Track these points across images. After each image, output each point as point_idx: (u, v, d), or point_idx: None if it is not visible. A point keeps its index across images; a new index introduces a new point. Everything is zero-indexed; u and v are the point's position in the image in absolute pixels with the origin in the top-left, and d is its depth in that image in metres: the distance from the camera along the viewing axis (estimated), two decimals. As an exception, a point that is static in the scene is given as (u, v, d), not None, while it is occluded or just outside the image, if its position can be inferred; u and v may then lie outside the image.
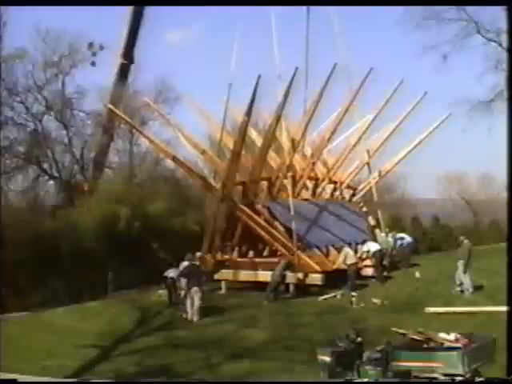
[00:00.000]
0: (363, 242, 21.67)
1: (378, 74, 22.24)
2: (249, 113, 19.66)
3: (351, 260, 19.37)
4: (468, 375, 8.15)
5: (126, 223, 26.88)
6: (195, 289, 16.97)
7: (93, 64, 33.72)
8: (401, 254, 22.49)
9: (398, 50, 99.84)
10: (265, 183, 22.82)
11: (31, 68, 32.43)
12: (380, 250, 20.77)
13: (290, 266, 19.17)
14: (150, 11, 32.53)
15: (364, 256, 20.83)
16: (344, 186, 24.92)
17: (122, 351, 13.99)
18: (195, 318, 16.74)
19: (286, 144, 22.56)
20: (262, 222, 20.69)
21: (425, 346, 8.90)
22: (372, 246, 20.84)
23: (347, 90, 22.57)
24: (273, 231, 20.45)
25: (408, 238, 22.89)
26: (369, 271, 20.99)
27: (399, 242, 22.42)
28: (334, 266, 19.89)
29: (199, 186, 25.23)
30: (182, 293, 18.03)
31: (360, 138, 23.64)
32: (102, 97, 33.83)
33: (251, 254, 22.14)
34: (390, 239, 22.48)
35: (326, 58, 23.17)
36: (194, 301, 16.89)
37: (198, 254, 20.28)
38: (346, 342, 9.52)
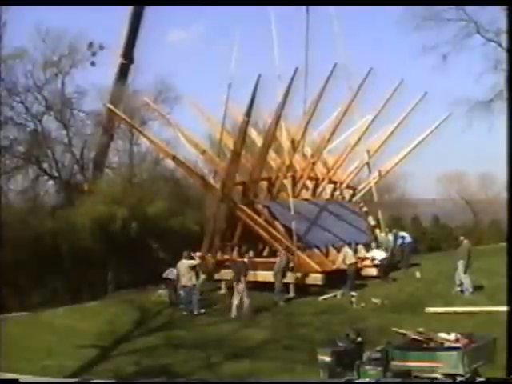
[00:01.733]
0: (366, 245, 21.66)
1: (378, 74, 22.32)
2: (249, 113, 19.67)
3: (351, 260, 19.35)
4: (468, 375, 8.15)
5: (126, 223, 26.88)
6: (242, 286, 17.05)
7: (93, 64, 33.76)
8: (400, 254, 22.47)
9: (398, 51, 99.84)
10: (265, 183, 22.83)
11: (31, 68, 32.47)
12: (385, 259, 20.65)
13: (289, 262, 19.07)
14: (152, 11, 32.61)
15: (368, 263, 20.88)
16: (344, 186, 24.91)
17: (121, 351, 13.99)
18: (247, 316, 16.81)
19: (286, 144, 22.56)
20: (262, 222, 20.69)
21: (425, 345, 8.89)
22: (378, 255, 20.67)
23: (347, 90, 22.60)
24: (273, 231, 20.44)
25: (408, 238, 22.91)
26: (369, 271, 20.96)
27: (400, 241, 22.41)
28: (334, 266, 19.88)
29: (199, 186, 25.23)
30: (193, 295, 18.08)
31: (360, 138, 23.64)
32: (102, 97, 33.87)
33: (251, 253, 22.11)
34: (390, 238, 22.47)
35: (326, 58, 23.24)
36: (242, 299, 16.97)
37: (198, 253, 20.27)
38: (346, 342, 9.53)
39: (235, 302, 17.05)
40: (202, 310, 17.62)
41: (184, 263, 18.27)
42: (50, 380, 12.02)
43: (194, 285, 18.04)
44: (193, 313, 17.51)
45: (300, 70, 20.09)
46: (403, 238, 22.68)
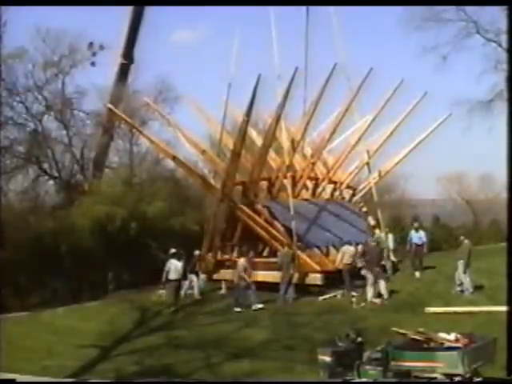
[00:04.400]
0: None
1: (378, 74, 22.30)
2: (249, 113, 19.69)
3: (347, 260, 19.28)
4: (468, 375, 8.16)
5: (126, 223, 26.88)
6: (377, 269, 17.34)
7: (93, 64, 33.76)
8: (414, 254, 21.21)
9: (398, 51, 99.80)
10: (265, 183, 22.84)
11: (31, 68, 32.42)
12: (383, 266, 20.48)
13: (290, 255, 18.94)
14: (155, 11, 32.69)
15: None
16: (344, 186, 24.91)
17: (121, 351, 13.99)
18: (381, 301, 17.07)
19: (285, 144, 22.56)
20: (262, 222, 20.70)
21: (425, 345, 8.89)
22: None
23: (347, 90, 22.59)
24: (273, 231, 20.45)
25: (424, 237, 21.40)
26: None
27: (418, 240, 21.09)
28: (335, 266, 19.85)
29: (199, 186, 25.24)
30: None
31: (360, 138, 23.63)
32: (102, 97, 33.87)
33: (251, 254, 22.11)
34: (391, 238, 22.35)
35: (326, 58, 23.24)
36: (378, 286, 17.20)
37: (197, 252, 20.29)
38: (346, 342, 9.53)
39: (370, 291, 17.23)
40: (238, 309, 17.61)
41: (242, 261, 18.58)
42: (49, 380, 12.03)
43: (238, 283, 18.23)
44: (250, 307, 17.60)
45: (300, 69, 20.13)
46: (420, 237, 21.27)
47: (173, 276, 18.45)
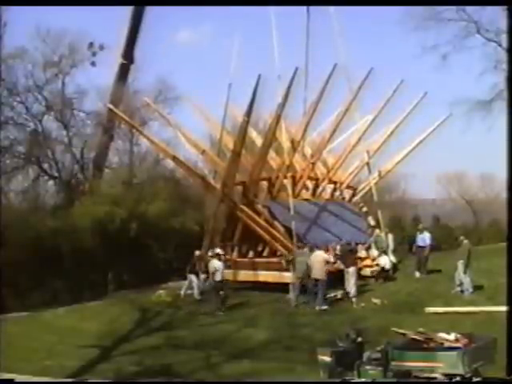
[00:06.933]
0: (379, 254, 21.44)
1: (378, 74, 22.29)
2: (249, 113, 19.70)
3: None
4: (468, 375, 8.15)
5: (126, 223, 26.88)
6: (353, 269, 18.00)
7: (93, 64, 33.84)
8: (418, 257, 21.00)
9: (398, 51, 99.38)
10: (265, 183, 22.83)
11: (31, 68, 32.53)
12: (387, 270, 20.52)
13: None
14: (158, 11, 32.69)
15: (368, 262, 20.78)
16: (344, 186, 24.90)
17: (122, 351, 13.99)
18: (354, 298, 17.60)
19: (286, 144, 22.56)
20: (262, 222, 20.70)
21: (425, 346, 8.89)
22: (384, 263, 20.52)
23: (347, 90, 22.59)
24: (273, 231, 20.45)
25: (427, 239, 21.04)
26: (366, 271, 20.90)
27: (421, 242, 20.85)
28: (335, 266, 19.85)
29: (199, 186, 25.25)
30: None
31: (360, 139, 23.62)
32: (102, 97, 33.91)
33: (251, 254, 22.14)
34: (390, 238, 22.31)
35: (326, 58, 23.25)
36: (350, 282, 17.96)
37: (197, 252, 20.28)
38: (347, 342, 9.53)
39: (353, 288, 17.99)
40: (325, 307, 17.15)
41: (318, 255, 17.87)
42: (49, 380, 12.04)
43: (324, 280, 17.50)
44: (314, 308, 17.16)
45: (300, 69, 20.13)
46: (423, 239, 20.86)
47: (218, 277, 18.13)
